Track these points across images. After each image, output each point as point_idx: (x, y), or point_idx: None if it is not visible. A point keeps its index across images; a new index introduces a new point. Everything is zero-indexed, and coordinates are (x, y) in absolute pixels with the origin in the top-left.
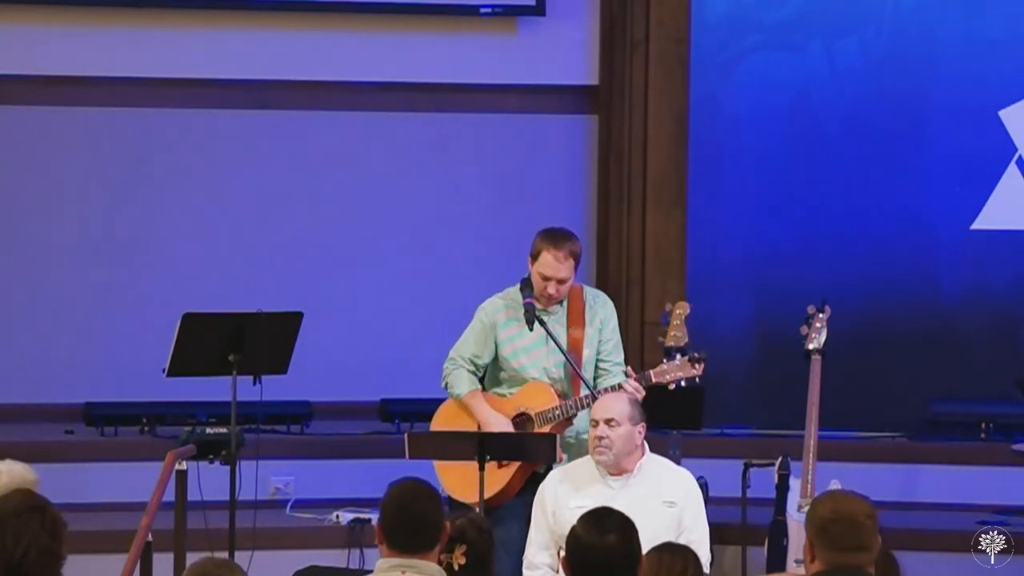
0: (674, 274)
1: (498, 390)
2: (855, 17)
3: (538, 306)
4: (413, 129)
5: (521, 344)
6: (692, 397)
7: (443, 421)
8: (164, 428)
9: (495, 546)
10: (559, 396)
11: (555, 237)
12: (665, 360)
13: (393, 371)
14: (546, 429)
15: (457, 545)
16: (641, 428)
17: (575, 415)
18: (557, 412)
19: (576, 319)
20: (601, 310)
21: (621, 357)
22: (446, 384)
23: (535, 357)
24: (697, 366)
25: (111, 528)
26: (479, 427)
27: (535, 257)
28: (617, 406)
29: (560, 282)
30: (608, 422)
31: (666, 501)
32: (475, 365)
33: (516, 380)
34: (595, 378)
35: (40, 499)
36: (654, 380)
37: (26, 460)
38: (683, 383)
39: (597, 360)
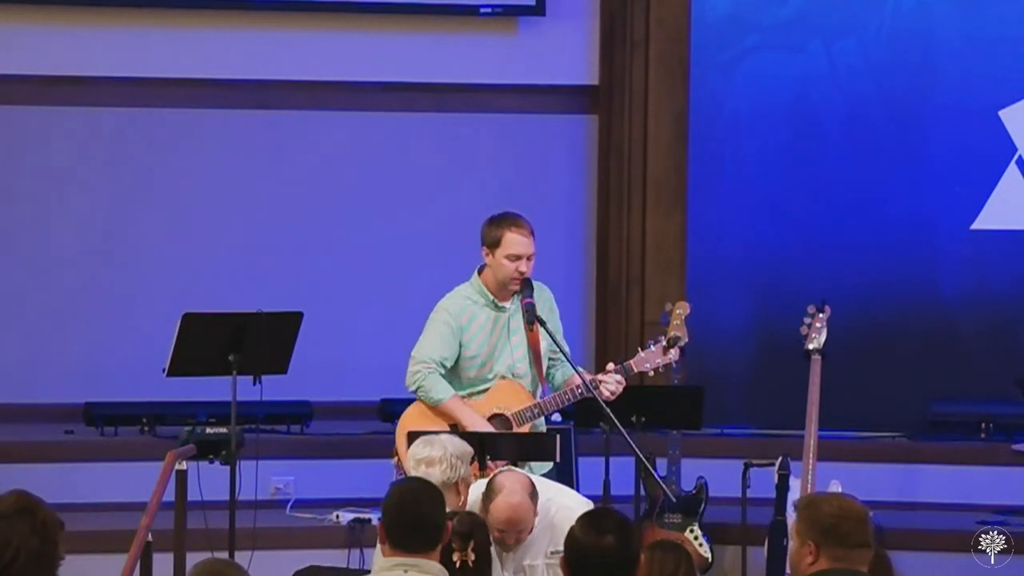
0: (674, 274)
1: (460, 394)
2: (855, 17)
3: (507, 306)
4: (413, 129)
5: (486, 343)
6: (692, 397)
7: (413, 425)
8: (164, 428)
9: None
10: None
11: (511, 218)
12: (641, 349)
13: (393, 371)
14: (525, 428)
15: (468, 543)
16: (536, 509)
17: (552, 413)
18: (536, 411)
19: None
20: (547, 300)
21: (566, 345)
22: (418, 388)
23: (500, 355)
24: (671, 351)
25: (111, 528)
26: (455, 427)
27: (496, 243)
28: (526, 518)
29: (529, 258)
30: (519, 533)
31: (556, 552)
32: (444, 368)
33: (479, 380)
34: (548, 369)
35: (32, 501)
36: (635, 370)
37: (26, 460)
38: (661, 370)
39: (549, 350)
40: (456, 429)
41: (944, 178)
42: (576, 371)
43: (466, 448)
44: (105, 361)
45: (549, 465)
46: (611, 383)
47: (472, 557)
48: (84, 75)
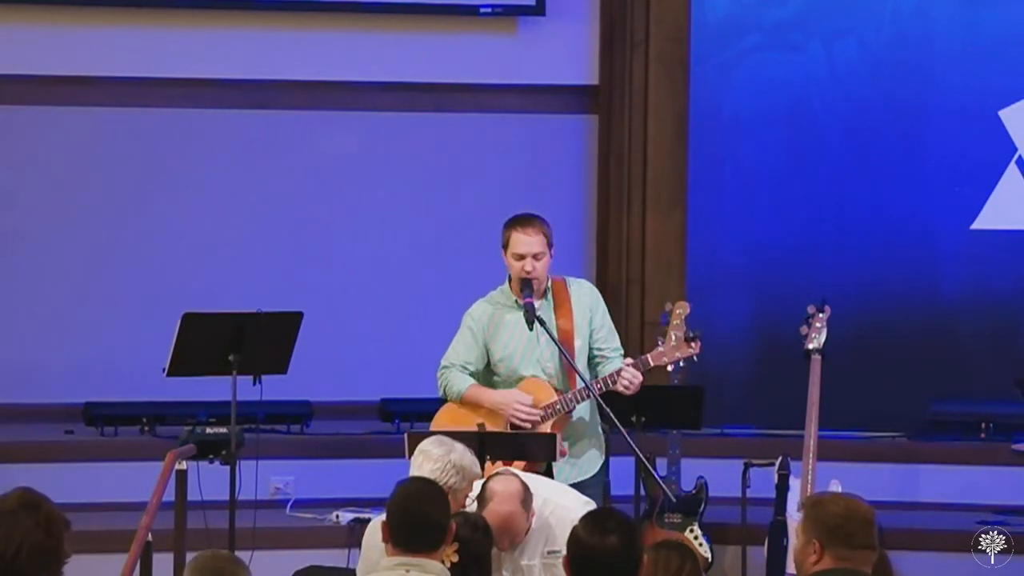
0: (674, 274)
1: None
2: (855, 17)
3: (536, 304)
4: (413, 129)
5: (513, 344)
6: (692, 397)
7: (442, 425)
8: (164, 428)
9: (492, 544)
10: (556, 390)
11: (520, 218)
12: (660, 342)
13: (393, 371)
14: (548, 424)
15: (452, 544)
16: (533, 511)
17: (574, 408)
18: (557, 407)
19: (563, 310)
20: (586, 298)
21: (617, 342)
22: (444, 390)
23: (529, 355)
24: (693, 344)
25: (111, 528)
26: (483, 425)
27: (505, 244)
28: (517, 525)
29: (535, 257)
30: (512, 538)
31: (552, 551)
32: (468, 371)
33: (511, 382)
34: (595, 366)
35: (36, 497)
36: (652, 364)
37: (26, 460)
38: (682, 364)
39: (593, 348)
40: (483, 426)
41: (944, 178)
42: (576, 371)
43: (472, 469)
44: (105, 361)
45: (594, 470)
46: (627, 376)
47: (455, 558)
48: (84, 75)
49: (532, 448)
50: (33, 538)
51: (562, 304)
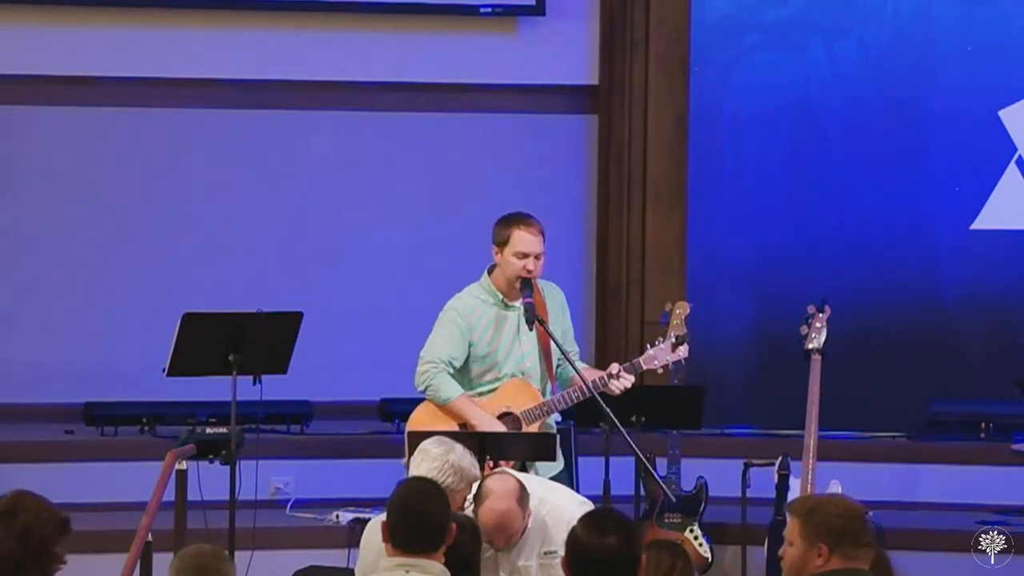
0: (674, 274)
1: (468, 393)
2: (855, 17)
3: (516, 305)
4: (413, 129)
5: (496, 341)
6: (692, 397)
7: (421, 425)
8: (164, 428)
9: (481, 545)
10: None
11: (522, 216)
12: (650, 347)
13: (393, 371)
14: (534, 427)
15: None
16: (530, 511)
17: (560, 410)
18: (544, 409)
19: (540, 310)
20: (558, 299)
21: (575, 345)
22: (427, 388)
23: (509, 353)
24: (680, 348)
25: (111, 528)
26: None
27: (505, 242)
28: (513, 524)
29: (537, 257)
30: (508, 537)
31: (548, 552)
32: (452, 367)
33: (489, 379)
34: (557, 367)
35: (20, 503)
36: (644, 367)
37: (26, 460)
38: (671, 366)
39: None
40: (464, 429)
41: (944, 178)
42: (577, 371)
43: (471, 471)
44: (105, 361)
45: (559, 466)
46: (625, 380)
47: (441, 560)
48: (84, 75)
49: (532, 448)
50: (2, 546)
51: (538, 303)
